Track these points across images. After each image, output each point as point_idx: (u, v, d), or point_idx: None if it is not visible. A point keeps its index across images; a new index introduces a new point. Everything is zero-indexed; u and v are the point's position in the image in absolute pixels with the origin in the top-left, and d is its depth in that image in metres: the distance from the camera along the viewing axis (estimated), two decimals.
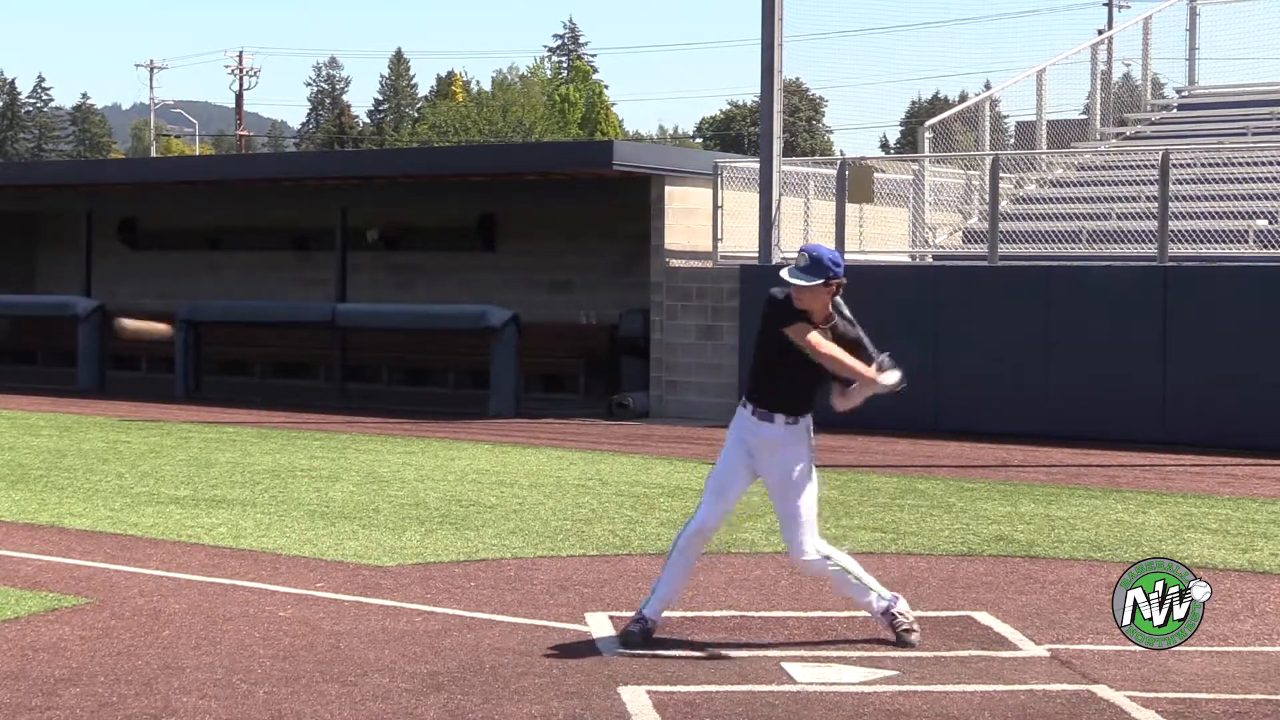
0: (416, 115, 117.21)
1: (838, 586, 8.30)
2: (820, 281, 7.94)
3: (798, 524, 8.09)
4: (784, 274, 7.99)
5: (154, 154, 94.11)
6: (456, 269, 27.54)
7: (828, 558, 8.15)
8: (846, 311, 8.20)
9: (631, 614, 8.32)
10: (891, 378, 7.94)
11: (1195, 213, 20.13)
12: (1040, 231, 20.66)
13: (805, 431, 8.16)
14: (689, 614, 8.73)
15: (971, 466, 16.50)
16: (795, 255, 8.11)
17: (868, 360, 8.01)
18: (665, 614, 8.24)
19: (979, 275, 19.98)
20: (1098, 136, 25.91)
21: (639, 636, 8.11)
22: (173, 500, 13.30)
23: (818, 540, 8.15)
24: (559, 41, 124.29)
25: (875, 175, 21.75)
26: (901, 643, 8.11)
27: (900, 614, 8.19)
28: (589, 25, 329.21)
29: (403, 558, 10.63)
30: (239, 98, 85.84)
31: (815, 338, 7.94)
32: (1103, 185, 23.47)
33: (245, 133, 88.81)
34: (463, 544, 11.19)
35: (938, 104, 76.31)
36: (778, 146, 21.32)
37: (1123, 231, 20.32)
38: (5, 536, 11.42)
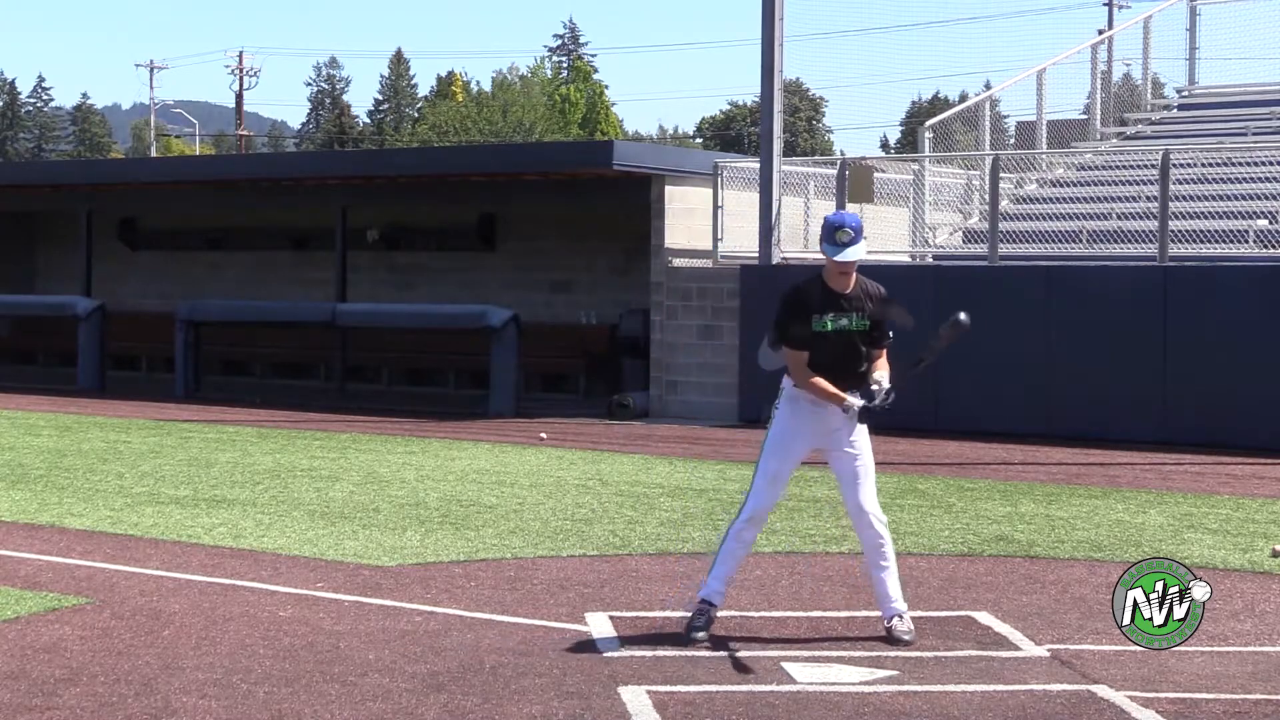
0: (416, 115, 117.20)
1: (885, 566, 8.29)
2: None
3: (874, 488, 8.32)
4: (846, 255, 8.16)
5: (154, 154, 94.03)
6: (456, 269, 27.54)
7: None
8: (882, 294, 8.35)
9: (631, 614, 8.31)
10: (854, 403, 8.11)
11: (1195, 213, 20.13)
12: (1040, 231, 20.65)
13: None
14: (689, 614, 8.71)
15: (971, 466, 16.49)
16: (837, 231, 8.24)
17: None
18: (666, 614, 8.23)
19: (979, 275, 19.98)
20: (1098, 136, 25.90)
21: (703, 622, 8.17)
22: (173, 500, 13.30)
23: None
24: (559, 41, 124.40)
25: (875, 175, 21.74)
26: (892, 639, 8.12)
27: (901, 628, 8.19)
28: (589, 25, 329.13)
29: (403, 558, 10.63)
30: (239, 98, 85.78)
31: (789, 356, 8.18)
32: (1103, 185, 23.47)
33: (245, 133, 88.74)
34: (463, 544, 11.20)
35: (938, 104, 76.25)
36: (778, 146, 21.32)
37: (1123, 231, 20.31)
38: (5, 536, 11.42)
